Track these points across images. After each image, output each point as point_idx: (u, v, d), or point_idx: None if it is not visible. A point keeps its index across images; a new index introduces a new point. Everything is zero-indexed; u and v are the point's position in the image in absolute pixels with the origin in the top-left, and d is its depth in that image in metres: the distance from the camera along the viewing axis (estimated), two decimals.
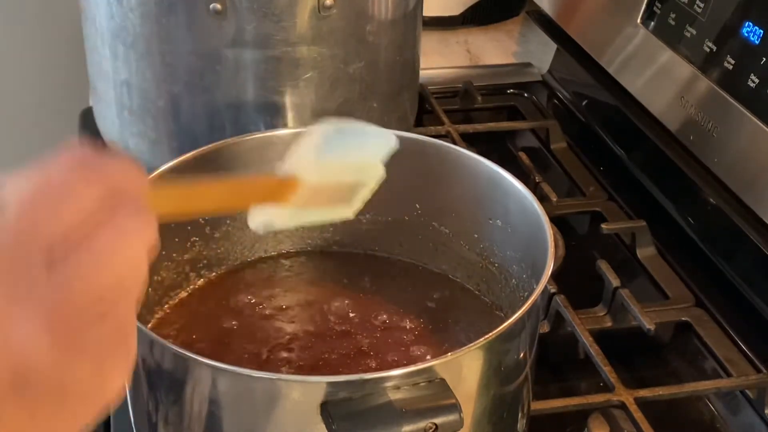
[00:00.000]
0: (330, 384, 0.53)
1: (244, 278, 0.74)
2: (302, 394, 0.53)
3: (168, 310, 0.70)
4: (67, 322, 0.37)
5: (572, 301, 0.80)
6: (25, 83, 1.52)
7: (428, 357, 0.64)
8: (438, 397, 0.53)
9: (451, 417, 0.52)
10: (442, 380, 0.53)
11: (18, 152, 1.55)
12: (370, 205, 0.68)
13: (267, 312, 0.70)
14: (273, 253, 0.76)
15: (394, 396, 0.52)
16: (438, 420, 0.52)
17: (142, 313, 0.69)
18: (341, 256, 0.76)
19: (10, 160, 1.62)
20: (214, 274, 0.74)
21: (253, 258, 0.76)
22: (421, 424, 0.52)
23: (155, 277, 0.70)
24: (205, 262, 0.73)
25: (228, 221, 0.74)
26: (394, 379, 0.53)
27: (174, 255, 0.72)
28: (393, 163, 0.71)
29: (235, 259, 0.75)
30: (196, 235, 0.73)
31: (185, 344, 0.67)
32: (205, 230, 0.73)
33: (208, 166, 0.71)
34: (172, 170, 0.69)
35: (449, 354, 0.55)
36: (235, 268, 0.75)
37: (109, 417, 0.74)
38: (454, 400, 0.53)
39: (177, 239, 0.72)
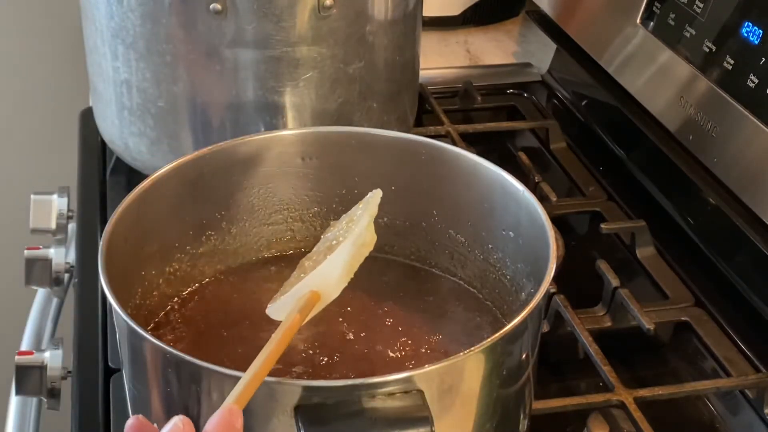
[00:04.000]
0: (305, 388, 0.52)
1: (257, 275, 0.74)
2: (277, 396, 0.53)
3: (178, 306, 0.70)
4: None
5: (572, 300, 0.80)
6: (25, 83, 1.52)
7: (426, 366, 0.64)
8: (412, 408, 0.52)
9: (422, 430, 0.52)
10: (419, 392, 0.53)
11: (18, 152, 1.55)
12: (389, 208, 0.69)
13: None
14: (290, 252, 0.76)
15: (368, 404, 0.52)
16: None
17: (154, 304, 0.69)
18: None
19: (11, 160, 1.63)
20: (227, 269, 0.74)
21: (269, 255, 0.76)
22: None
23: (167, 268, 0.70)
24: (220, 257, 0.73)
25: (245, 217, 0.74)
26: (369, 387, 0.52)
27: (188, 248, 0.72)
28: (413, 168, 0.72)
29: (250, 256, 0.75)
30: (212, 229, 0.73)
31: (192, 341, 0.67)
32: (222, 225, 0.73)
33: (208, 166, 0.71)
34: (173, 170, 0.69)
35: (426, 365, 0.54)
36: (249, 264, 0.75)
37: (109, 417, 0.74)
38: (427, 413, 0.52)
39: (191, 232, 0.72)
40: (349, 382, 0.53)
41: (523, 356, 0.60)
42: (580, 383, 0.79)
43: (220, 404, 0.51)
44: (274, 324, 0.69)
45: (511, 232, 0.70)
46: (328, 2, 0.84)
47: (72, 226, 1.03)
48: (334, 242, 0.62)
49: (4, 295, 1.38)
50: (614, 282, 0.81)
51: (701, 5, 0.87)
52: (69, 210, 1.03)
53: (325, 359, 0.65)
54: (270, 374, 0.53)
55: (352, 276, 0.61)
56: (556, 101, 1.17)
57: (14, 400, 0.95)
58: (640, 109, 0.96)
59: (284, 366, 0.65)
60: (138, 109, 0.89)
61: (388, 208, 0.75)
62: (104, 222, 0.74)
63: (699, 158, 0.86)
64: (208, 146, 0.71)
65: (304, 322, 0.59)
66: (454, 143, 1.00)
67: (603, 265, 0.83)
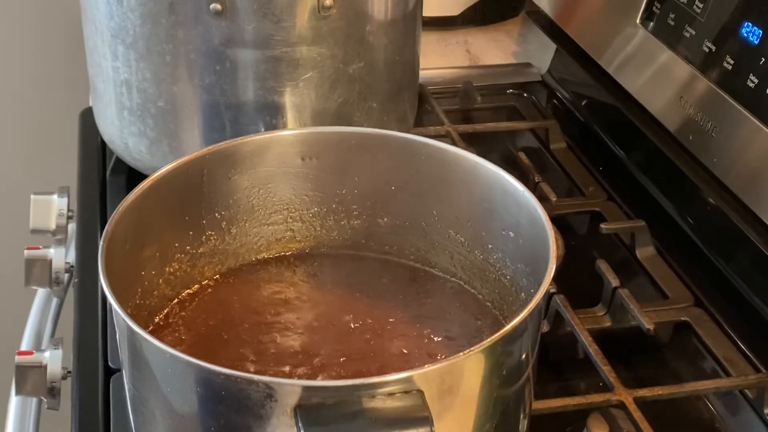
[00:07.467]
0: (305, 388, 0.52)
1: (257, 276, 0.74)
2: (277, 396, 0.53)
3: (178, 306, 0.70)
4: None
5: (572, 300, 0.80)
6: (25, 83, 1.52)
7: (426, 366, 0.64)
8: (412, 409, 0.52)
9: (422, 430, 0.52)
10: (419, 392, 0.53)
11: (18, 152, 1.55)
12: (389, 208, 0.69)
13: (275, 312, 0.70)
14: (290, 252, 0.76)
15: (367, 405, 0.52)
16: None
17: (154, 305, 0.70)
18: (357, 259, 0.76)
19: (11, 160, 1.63)
20: (227, 270, 0.74)
21: (269, 256, 0.76)
22: None
23: (167, 268, 0.70)
24: (219, 257, 0.74)
25: (245, 217, 0.74)
26: (369, 388, 0.52)
27: (188, 248, 0.72)
28: (413, 168, 0.72)
29: (250, 256, 0.75)
30: (212, 229, 0.73)
31: (192, 341, 0.67)
32: (222, 225, 0.73)
33: (208, 166, 0.71)
34: (173, 170, 0.69)
35: (426, 365, 0.54)
36: (249, 265, 0.75)
37: (109, 417, 0.74)
38: (426, 413, 0.52)
39: (192, 232, 0.72)
40: (349, 382, 0.53)
41: (523, 356, 0.60)
42: (580, 383, 0.79)
43: (220, 404, 0.51)
44: (275, 325, 0.70)
45: (511, 232, 0.70)
46: (328, 2, 0.84)
47: (72, 226, 1.03)
48: None
49: (4, 295, 1.38)
50: (614, 282, 0.81)
51: (701, 5, 0.87)
52: (69, 210, 1.03)
53: (325, 359, 0.66)
54: (270, 374, 0.53)
55: None
56: (556, 101, 1.17)
57: (14, 400, 0.95)
58: (640, 109, 0.96)
59: (284, 366, 0.65)
60: (138, 109, 0.89)
61: (388, 208, 0.75)
62: (104, 222, 0.74)
63: (699, 158, 0.86)
64: (208, 146, 0.72)
65: None
66: (454, 143, 1.00)
67: (603, 265, 0.83)
